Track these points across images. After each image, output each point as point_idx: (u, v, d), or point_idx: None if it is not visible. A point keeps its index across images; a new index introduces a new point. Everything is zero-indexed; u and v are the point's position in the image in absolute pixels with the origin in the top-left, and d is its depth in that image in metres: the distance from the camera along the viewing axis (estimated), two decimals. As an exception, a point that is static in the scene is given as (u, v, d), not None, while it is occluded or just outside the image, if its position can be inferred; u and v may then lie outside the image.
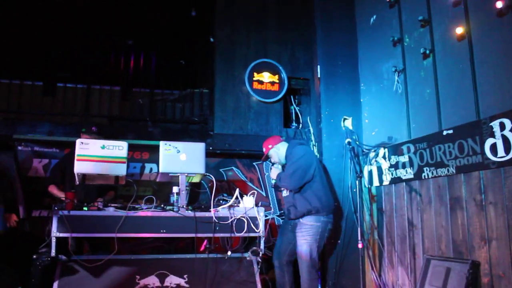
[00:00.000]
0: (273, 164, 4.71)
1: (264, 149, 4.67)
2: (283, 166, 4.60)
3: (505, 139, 3.43)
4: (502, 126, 3.45)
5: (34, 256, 3.69)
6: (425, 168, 4.27)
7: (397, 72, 4.80)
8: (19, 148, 5.41)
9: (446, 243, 4.01)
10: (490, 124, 3.56)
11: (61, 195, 4.52)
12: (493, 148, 3.53)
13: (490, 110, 3.64)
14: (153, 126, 5.69)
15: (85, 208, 3.80)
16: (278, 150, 4.61)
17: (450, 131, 3.97)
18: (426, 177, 4.25)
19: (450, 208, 3.98)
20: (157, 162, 4.18)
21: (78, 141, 3.91)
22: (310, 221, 4.28)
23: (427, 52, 4.40)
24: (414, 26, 4.66)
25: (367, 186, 5.17)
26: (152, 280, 3.95)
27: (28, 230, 5.28)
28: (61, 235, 3.64)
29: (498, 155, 3.49)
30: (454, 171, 3.92)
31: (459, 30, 3.99)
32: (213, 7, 6.07)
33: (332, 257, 4.91)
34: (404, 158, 4.55)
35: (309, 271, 4.23)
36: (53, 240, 3.63)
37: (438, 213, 4.12)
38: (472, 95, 3.84)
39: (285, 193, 4.61)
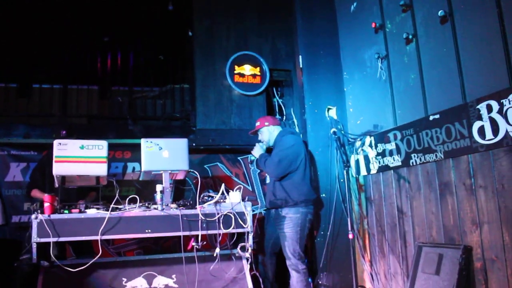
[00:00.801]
0: (259, 141, 4.72)
1: (258, 123, 4.69)
2: (267, 149, 4.67)
3: (492, 121, 3.38)
4: (489, 108, 3.40)
5: (15, 264, 3.54)
6: (412, 155, 4.21)
7: (380, 59, 4.74)
8: (-5, 152, 5.22)
9: (437, 229, 3.97)
10: (477, 106, 3.51)
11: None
12: (481, 131, 3.48)
13: (476, 92, 3.59)
14: (134, 124, 5.55)
15: (65, 211, 3.67)
16: (272, 131, 4.63)
17: (437, 116, 3.92)
18: (414, 163, 4.20)
19: (440, 194, 3.93)
20: (139, 160, 4.05)
21: (55, 141, 3.76)
22: (288, 213, 4.30)
23: (410, 37, 4.34)
24: (395, 11, 4.59)
25: (354, 175, 5.10)
26: (140, 282, 3.84)
27: (9, 237, 5.12)
28: (42, 240, 3.50)
29: (487, 138, 3.44)
30: (442, 156, 3.87)
31: (441, 13, 3.93)
32: (190, 0, 5.93)
33: (322, 248, 4.83)
34: (391, 146, 4.49)
35: (295, 263, 4.21)
36: (34, 246, 3.48)
37: (428, 199, 4.07)
38: (458, 78, 3.78)
39: (268, 179, 4.67)
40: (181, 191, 5.18)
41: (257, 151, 4.60)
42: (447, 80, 3.91)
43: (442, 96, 3.96)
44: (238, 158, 5.86)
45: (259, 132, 4.69)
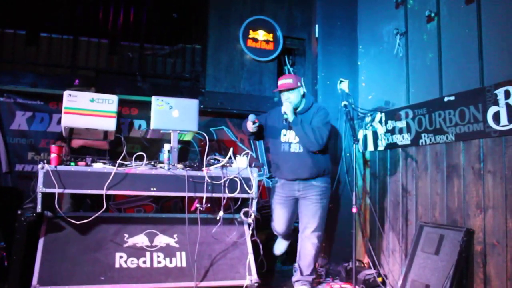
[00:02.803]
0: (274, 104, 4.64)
1: (291, 80, 4.14)
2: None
3: (509, 107, 3.34)
4: (507, 94, 3.36)
5: (19, 212, 3.55)
6: (423, 135, 4.19)
7: (398, 35, 4.65)
8: (1, 99, 5.18)
9: (440, 211, 3.98)
10: (495, 91, 3.46)
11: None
12: (496, 116, 3.44)
13: (495, 77, 3.54)
14: (143, 81, 5.48)
15: (72, 164, 3.65)
16: (300, 94, 4.20)
17: (452, 98, 3.87)
18: (424, 143, 4.18)
19: (447, 176, 3.93)
20: (146, 118, 4.02)
21: (65, 93, 3.72)
22: (323, 183, 4.17)
23: (432, 15, 4.24)
24: (419, -13, 4.48)
25: (361, 150, 5.09)
26: (141, 238, 3.87)
27: (11, 185, 5.12)
28: (47, 190, 3.50)
29: (501, 124, 3.41)
30: (454, 139, 3.84)
31: (468, -7, 3.84)
32: (208, -40, 5.77)
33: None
34: (402, 124, 4.46)
35: (319, 238, 4.20)
36: (39, 196, 3.49)
37: (434, 180, 4.07)
38: (477, 62, 3.72)
39: (294, 147, 4.14)
40: (185, 152, 5.18)
41: (289, 110, 4.05)
42: (466, 63, 3.84)
43: (459, 78, 3.91)
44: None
45: (290, 92, 4.15)
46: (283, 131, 4.19)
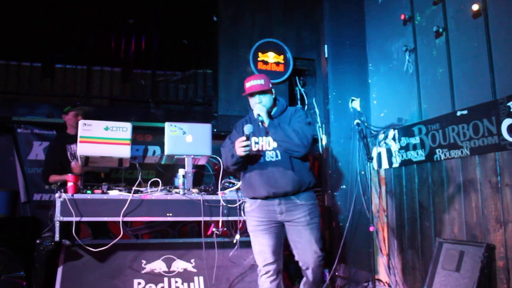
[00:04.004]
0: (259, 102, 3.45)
1: (263, 81, 3.44)
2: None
3: (523, 119, 3.32)
4: (521, 106, 3.34)
5: (38, 241, 3.59)
6: (437, 150, 4.16)
7: (407, 52, 4.67)
8: (19, 130, 5.28)
9: (459, 226, 3.92)
10: (508, 104, 3.43)
11: (64, 177, 4.39)
12: (510, 128, 3.41)
13: (507, 89, 3.51)
14: (156, 108, 5.57)
15: (88, 192, 3.69)
16: (272, 97, 3.50)
17: (465, 112, 3.86)
18: (438, 159, 4.15)
19: (464, 191, 3.88)
20: (160, 144, 4.07)
21: (80, 122, 3.78)
22: (309, 199, 3.38)
23: (440, 30, 4.26)
24: (426, 4, 4.50)
25: (376, 168, 5.06)
26: (159, 264, 3.87)
27: (29, 214, 5.19)
28: (65, 219, 3.53)
29: (516, 136, 3.38)
30: (468, 153, 3.81)
31: (475, 7, 3.84)
32: (216, -15, 5.90)
33: (340, 239, 4.82)
34: (415, 140, 4.44)
35: (320, 264, 3.39)
36: (57, 225, 3.52)
37: (451, 195, 4.03)
38: (488, 74, 3.71)
39: (270, 155, 3.38)
40: (200, 176, 5.20)
41: (263, 112, 3.36)
42: (477, 76, 3.83)
43: (471, 92, 3.89)
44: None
45: (263, 95, 3.44)
46: (254, 139, 3.43)
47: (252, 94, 3.47)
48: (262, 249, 3.36)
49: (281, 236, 3.42)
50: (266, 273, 3.35)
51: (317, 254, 3.35)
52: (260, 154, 3.39)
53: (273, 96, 3.53)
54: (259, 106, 3.40)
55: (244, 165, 3.45)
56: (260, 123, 3.35)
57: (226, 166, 3.53)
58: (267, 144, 3.41)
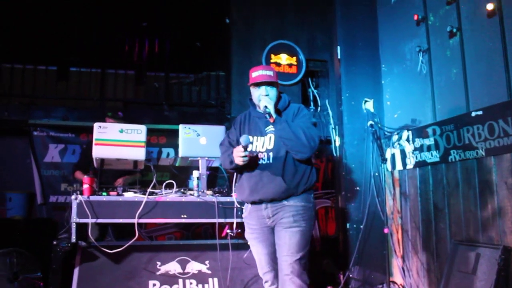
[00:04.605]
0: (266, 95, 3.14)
1: (271, 73, 3.17)
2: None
3: (540, 119, 3.29)
4: (537, 106, 3.31)
5: (54, 242, 3.63)
6: (452, 151, 4.13)
7: (421, 52, 4.64)
8: (35, 133, 5.37)
9: (474, 228, 3.89)
10: (524, 104, 3.41)
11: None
12: (527, 129, 3.39)
13: (523, 89, 3.50)
14: (169, 110, 5.61)
15: (104, 194, 3.73)
16: (277, 92, 3.22)
17: (480, 112, 3.82)
18: (453, 160, 4.12)
19: (479, 192, 3.85)
20: (174, 146, 4.09)
21: (95, 125, 3.82)
22: (299, 201, 3.08)
23: (454, 30, 4.23)
24: (439, 4, 4.48)
25: (390, 170, 5.04)
26: (173, 266, 3.88)
27: (46, 216, 5.26)
28: (81, 220, 3.57)
29: (532, 137, 3.35)
30: (484, 154, 3.78)
31: (490, 7, 3.82)
32: (228, -13, 5.93)
33: (355, 241, 4.82)
34: (429, 141, 4.42)
35: (300, 272, 3.02)
36: (73, 226, 3.56)
37: (466, 197, 3.99)
38: (504, 74, 3.68)
39: (262, 157, 3.13)
40: (214, 178, 5.22)
41: (271, 105, 3.08)
42: (492, 76, 3.81)
43: (486, 92, 3.86)
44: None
45: (271, 87, 3.16)
46: (249, 138, 3.13)
47: (258, 85, 3.16)
48: (258, 257, 3.24)
49: (275, 243, 3.16)
50: (266, 281, 3.22)
51: (289, 261, 2.99)
52: (257, 158, 3.13)
53: (276, 90, 3.21)
54: (266, 98, 3.11)
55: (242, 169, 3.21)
56: (267, 115, 3.05)
57: (224, 167, 3.47)
58: (261, 145, 3.16)
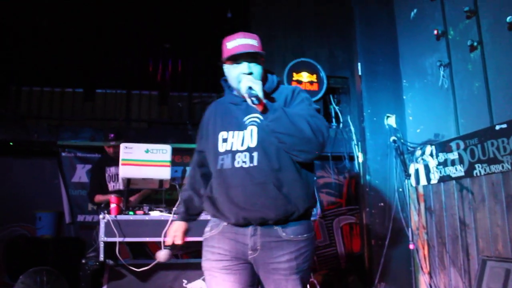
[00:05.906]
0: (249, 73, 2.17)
1: (256, 42, 2.25)
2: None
3: None
4: (562, 119, 3.27)
5: (83, 261, 3.71)
6: (476, 165, 4.10)
7: (442, 67, 4.64)
8: (63, 154, 5.51)
9: (503, 243, 3.83)
10: (549, 117, 3.38)
11: (108, 197, 4.55)
12: (553, 142, 3.35)
13: (547, 102, 3.47)
14: (193, 130, 5.68)
15: (130, 213, 3.80)
16: (262, 68, 2.25)
17: (504, 125, 3.80)
18: (478, 174, 4.08)
19: (506, 206, 3.80)
20: (198, 165, 4.13)
21: (122, 145, 3.91)
22: (302, 231, 2.14)
23: (475, 44, 4.23)
24: (458, 18, 4.48)
25: (414, 185, 5.01)
26: (200, 284, 3.92)
27: (74, 235, 5.36)
28: (109, 239, 3.64)
29: (559, 150, 3.31)
30: (510, 167, 3.74)
31: (510, 19, 3.81)
32: (249, 8, 6.03)
33: (379, 258, 4.77)
34: (453, 155, 4.39)
35: None
36: (101, 245, 3.64)
37: (493, 211, 3.94)
38: (527, 87, 3.66)
39: (242, 159, 2.11)
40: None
41: (258, 86, 2.07)
42: (515, 89, 3.79)
43: (509, 105, 3.84)
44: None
45: (253, 63, 2.21)
46: (223, 133, 2.21)
47: (237, 58, 2.20)
48: None
49: (251, 284, 2.18)
50: None
51: None
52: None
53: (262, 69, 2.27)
54: (249, 77, 2.13)
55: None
56: (253, 100, 2.02)
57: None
58: (239, 143, 2.15)
